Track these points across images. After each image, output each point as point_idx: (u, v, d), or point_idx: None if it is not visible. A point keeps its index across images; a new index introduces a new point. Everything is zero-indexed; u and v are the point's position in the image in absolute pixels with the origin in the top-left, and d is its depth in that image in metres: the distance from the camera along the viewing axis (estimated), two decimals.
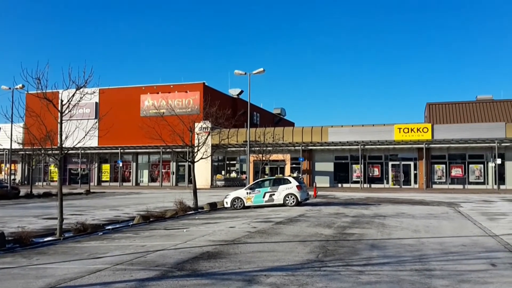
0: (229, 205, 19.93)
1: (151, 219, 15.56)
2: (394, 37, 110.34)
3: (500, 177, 35.75)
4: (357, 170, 39.30)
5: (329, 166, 40.30)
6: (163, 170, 44.30)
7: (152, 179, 45.78)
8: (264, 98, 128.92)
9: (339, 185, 39.56)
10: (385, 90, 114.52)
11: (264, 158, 30.27)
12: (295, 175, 37.94)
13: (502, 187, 35.29)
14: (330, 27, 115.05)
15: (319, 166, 40.49)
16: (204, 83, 43.67)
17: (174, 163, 44.23)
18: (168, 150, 37.65)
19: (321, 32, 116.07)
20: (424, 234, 11.86)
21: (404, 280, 6.93)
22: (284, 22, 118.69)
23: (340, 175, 40.10)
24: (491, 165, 35.91)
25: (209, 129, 25.34)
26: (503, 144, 35.11)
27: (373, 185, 38.74)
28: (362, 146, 37.86)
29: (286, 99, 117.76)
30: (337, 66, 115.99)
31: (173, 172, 44.45)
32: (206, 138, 20.49)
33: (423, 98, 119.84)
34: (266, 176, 34.29)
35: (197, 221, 15.65)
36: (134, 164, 46.13)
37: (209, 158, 27.65)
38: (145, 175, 46.27)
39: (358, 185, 38.42)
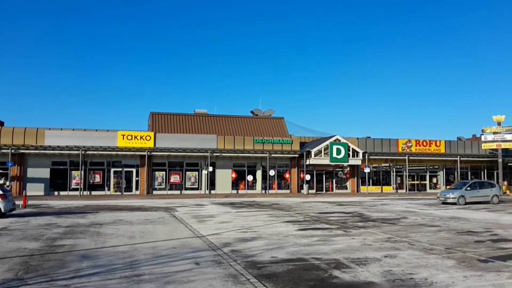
0: None
1: None
2: (118, 47, 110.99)
3: (212, 183, 40.23)
4: (76, 176, 37.08)
5: (45, 172, 36.61)
6: None
7: None
8: None
9: (56, 193, 36.41)
10: (109, 96, 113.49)
11: None
12: (1, 182, 32.80)
13: (213, 191, 39.78)
14: (88, 27, 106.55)
15: (32, 172, 36.24)
16: None
17: None
18: None
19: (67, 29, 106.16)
20: (139, 239, 11.91)
21: None
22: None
23: (58, 182, 36.95)
24: (204, 172, 39.99)
25: None
26: (214, 154, 39.69)
27: (94, 192, 37.27)
28: (83, 152, 36.00)
29: None
30: (55, 68, 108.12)
31: None
32: None
33: (148, 107, 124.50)
34: None
35: None
36: None
37: None
38: None
39: (77, 193, 36.28)
